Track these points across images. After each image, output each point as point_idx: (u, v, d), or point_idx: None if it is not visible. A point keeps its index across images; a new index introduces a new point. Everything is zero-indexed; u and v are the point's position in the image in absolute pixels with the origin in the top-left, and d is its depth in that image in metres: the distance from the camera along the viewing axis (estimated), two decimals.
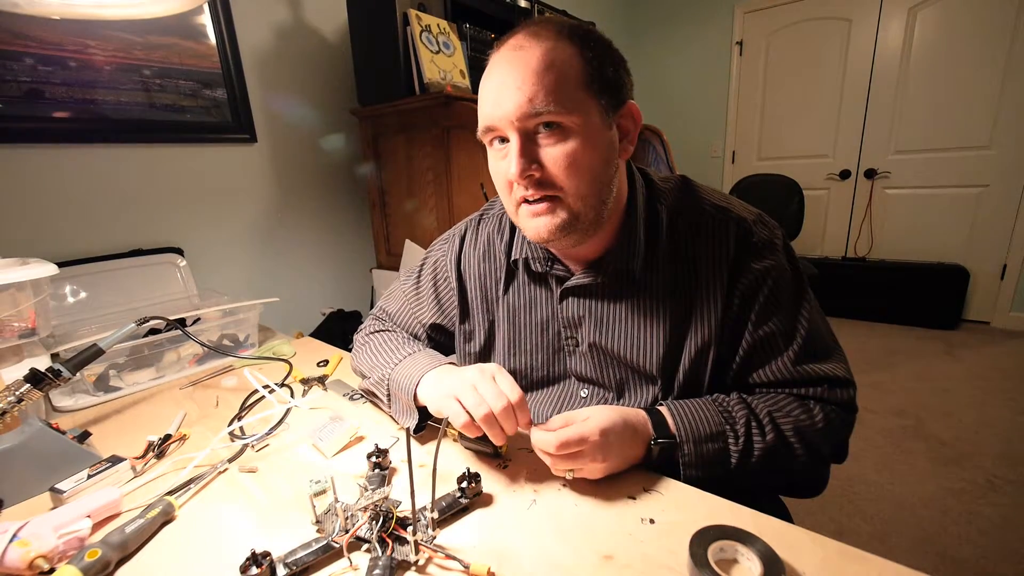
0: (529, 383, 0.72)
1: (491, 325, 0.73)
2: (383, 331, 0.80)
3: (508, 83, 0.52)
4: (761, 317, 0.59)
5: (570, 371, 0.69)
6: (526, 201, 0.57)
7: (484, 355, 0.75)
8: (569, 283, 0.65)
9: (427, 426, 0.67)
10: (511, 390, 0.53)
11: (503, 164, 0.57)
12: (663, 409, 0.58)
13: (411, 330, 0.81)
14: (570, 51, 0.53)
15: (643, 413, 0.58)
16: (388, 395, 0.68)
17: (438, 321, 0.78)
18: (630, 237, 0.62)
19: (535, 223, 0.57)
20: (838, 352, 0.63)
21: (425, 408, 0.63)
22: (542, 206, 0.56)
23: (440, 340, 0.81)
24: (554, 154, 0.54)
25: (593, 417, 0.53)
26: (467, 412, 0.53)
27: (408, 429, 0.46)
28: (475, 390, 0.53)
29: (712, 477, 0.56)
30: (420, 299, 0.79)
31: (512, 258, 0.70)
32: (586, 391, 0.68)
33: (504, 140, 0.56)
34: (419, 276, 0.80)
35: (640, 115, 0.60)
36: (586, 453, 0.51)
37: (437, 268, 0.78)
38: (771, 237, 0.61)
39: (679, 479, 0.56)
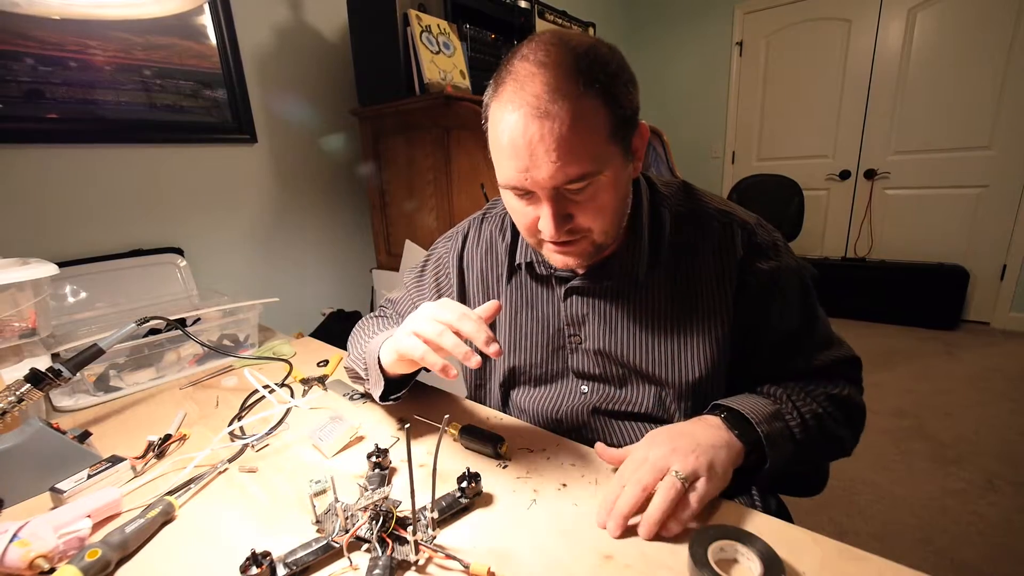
0: (529, 379, 0.72)
1: (492, 322, 0.74)
2: (380, 316, 0.85)
3: (538, 154, 0.50)
4: (776, 317, 0.61)
5: (571, 368, 0.69)
6: (553, 242, 0.57)
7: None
8: (573, 283, 0.66)
9: (402, 397, 0.71)
10: (469, 309, 0.53)
11: (527, 210, 0.56)
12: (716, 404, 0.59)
13: (408, 315, 0.83)
14: (597, 104, 0.50)
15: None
16: (365, 367, 0.70)
17: None
18: (635, 241, 0.63)
19: (563, 258, 0.59)
20: (837, 336, 0.66)
21: (396, 380, 0.67)
22: (569, 247, 0.58)
23: None
24: (585, 205, 0.54)
25: (645, 437, 0.54)
26: (424, 341, 0.53)
27: (407, 429, 0.46)
28: (430, 318, 0.54)
29: (786, 458, 0.55)
30: (422, 289, 0.82)
31: (516, 262, 0.71)
32: (587, 387, 0.69)
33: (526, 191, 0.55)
34: (423, 269, 0.83)
35: (647, 132, 0.59)
36: (666, 461, 0.49)
37: (440, 263, 0.80)
38: (773, 239, 0.63)
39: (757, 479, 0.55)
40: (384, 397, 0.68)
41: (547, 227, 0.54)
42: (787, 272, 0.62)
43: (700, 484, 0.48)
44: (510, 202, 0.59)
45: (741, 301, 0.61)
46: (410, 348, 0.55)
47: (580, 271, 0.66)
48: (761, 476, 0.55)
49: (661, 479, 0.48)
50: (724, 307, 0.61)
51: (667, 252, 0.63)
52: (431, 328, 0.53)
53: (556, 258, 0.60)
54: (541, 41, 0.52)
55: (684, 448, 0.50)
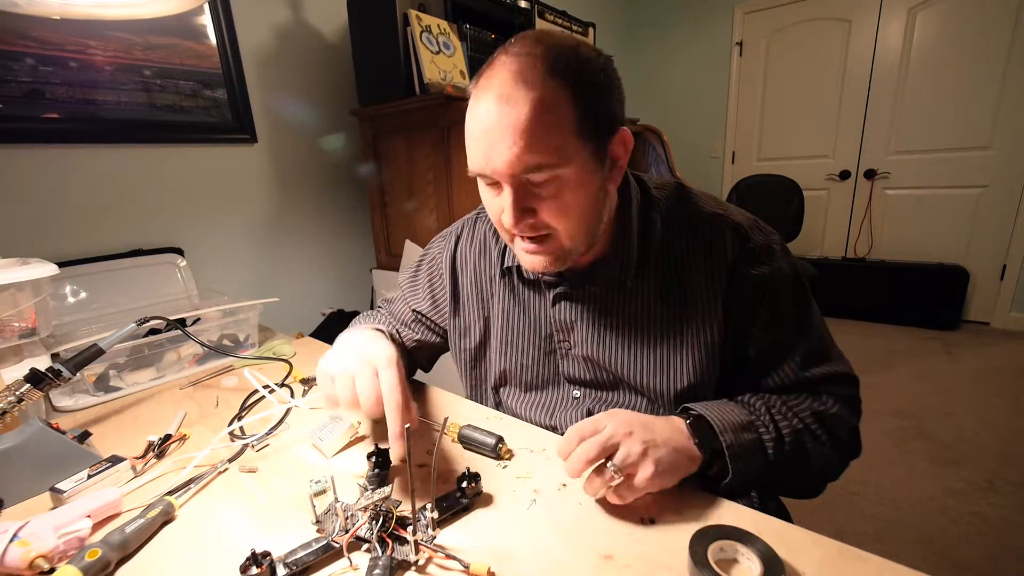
0: (521, 383, 0.72)
1: (486, 322, 0.74)
2: (374, 314, 0.86)
3: (496, 139, 0.50)
4: (765, 325, 0.59)
5: (562, 373, 0.69)
6: (520, 236, 0.57)
7: (480, 352, 0.75)
8: (560, 289, 0.65)
9: None
10: (390, 391, 0.52)
11: (495, 201, 0.56)
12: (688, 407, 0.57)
13: (401, 315, 0.84)
14: (562, 96, 0.49)
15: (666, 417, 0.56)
16: None
17: (428, 312, 0.81)
18: (623, 247, 0.62)
19: (530, 259, 0.59)
20: (836, 350, 0.63)
21: None
22: (535, 245, 0.57)
23: (427, 328, 0.82)
24: (547, 201, 0.53)
25: (605, 411, 0.53)
26: (337, 401, 0.54)
27: (407, 429, 0.46)
28: (352, 382, 0.54)
29: (755, 473, 0.53)
30: (416, 288, 0.82)
31: (505, 265, 0.70)
32: (579, 392, 0.68)
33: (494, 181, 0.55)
34: (417, 269, 0.83)
35: (631, 140, 0.58)
36: (617, 440, 0.49)
37: (433, 264, 0.80)
38: (768, 243, 0.60)
39: (721, 490, 0.52)
40: None
41: (507, 216, 0.54)
42: (780, 277, 0.59)
43: (637, 479, 0.47)
44: (482, 193, 0.59)
45: (731, 307, 0.59)
46: (327, 399, 0.56)
47: (549, 271, 0.63)
48: (726, 487, 0.53)
49: (603, 460, 0.48)
50: (714, 313, 0.59)
51: (657, 257, 0.62)
52: (344, 391, 0.54)
53: (525, 258, 0.59)
54: (524, 37, 0.53)
55: (637, 437, 0.49)
